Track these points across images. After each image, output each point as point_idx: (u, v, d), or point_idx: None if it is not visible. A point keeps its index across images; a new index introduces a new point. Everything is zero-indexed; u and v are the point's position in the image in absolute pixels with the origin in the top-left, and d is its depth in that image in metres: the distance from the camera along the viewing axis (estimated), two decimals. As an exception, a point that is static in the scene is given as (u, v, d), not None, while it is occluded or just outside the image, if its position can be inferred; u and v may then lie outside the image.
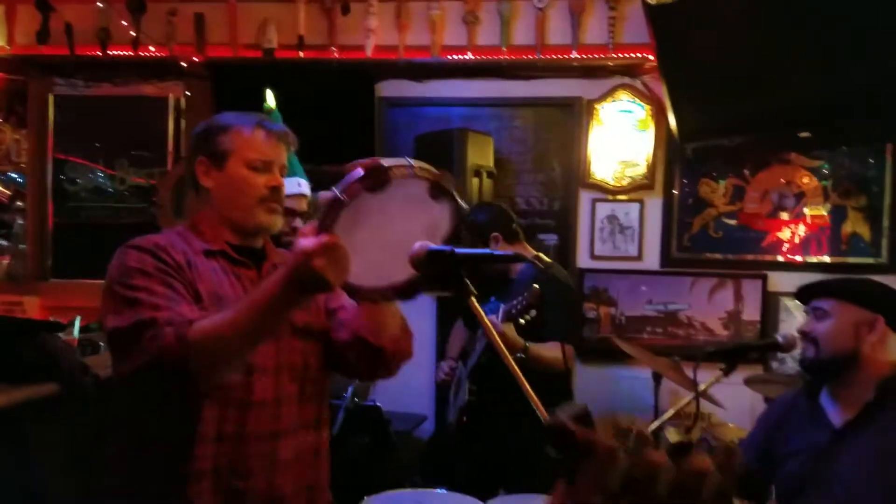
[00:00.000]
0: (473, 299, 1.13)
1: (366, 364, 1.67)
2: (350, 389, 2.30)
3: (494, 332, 1.13)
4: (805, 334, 2.00)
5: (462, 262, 1.14)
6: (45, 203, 4.11)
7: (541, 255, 1.70)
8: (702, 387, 1.80)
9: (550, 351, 2.50)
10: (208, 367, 1.39)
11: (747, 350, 2.04)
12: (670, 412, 1.81)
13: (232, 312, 1.38)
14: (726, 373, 1.89)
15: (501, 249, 2.73)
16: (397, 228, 1.26)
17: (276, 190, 1.64)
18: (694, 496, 0.76)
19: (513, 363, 1.13)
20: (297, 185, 2.60)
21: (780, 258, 3.77)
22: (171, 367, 1.37)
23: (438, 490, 2.25)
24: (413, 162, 1.24)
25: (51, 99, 4.08)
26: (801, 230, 3.77)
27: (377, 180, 1.22)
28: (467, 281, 1.15)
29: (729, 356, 1.92)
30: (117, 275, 1.52)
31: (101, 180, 4.15)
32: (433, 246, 1.17)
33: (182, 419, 1.51)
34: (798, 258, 3.76)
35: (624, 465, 0.73)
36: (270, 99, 2.72)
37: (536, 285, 2.28)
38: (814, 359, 1.98)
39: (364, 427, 2.57)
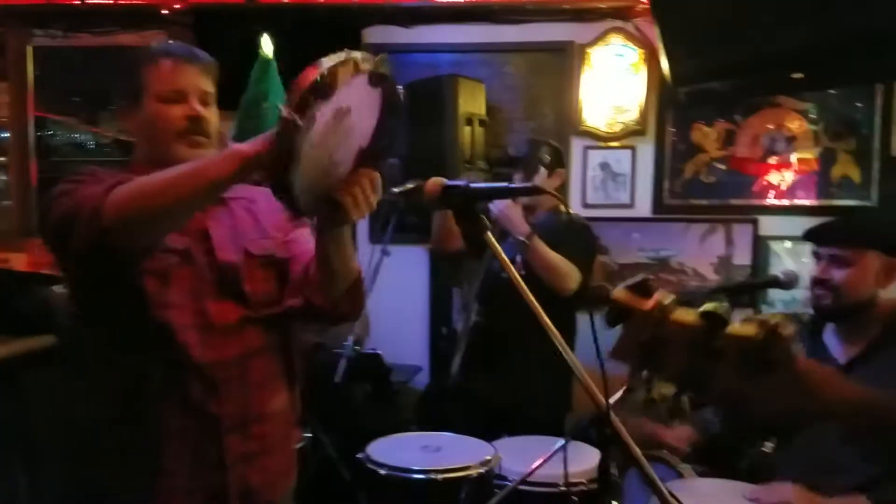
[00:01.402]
0: (489, 234, 1.11)
1: (306, 319, 1.66)
2: (350, 338, 2.29)
3: (513, 269, 1.12)
4: (822, 281, 1.95)
5: (478, 195, 1.13)
6: (28, 159, 4.03)
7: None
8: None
9: (556, 256, 2.51)
10: (124, 225, 1.32)
11: (749, 288, 2.06)
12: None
13: (158, 177, 1.34)
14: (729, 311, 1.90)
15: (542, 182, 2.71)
16: (356, 128, 1.23)
17: (195, 120, 1.54)
18: (720, 357, 0.80)
19: (525, 288, 1.12)
20: None
21: (771, 202, 3.78)
22: (101, 237, 1.32)
23: (444, 433, 2.27)
24: (350, 53, 1.16)
25: (29, 51, 3.96)
26: (792, 174, 3.77)
27: (325, 87, 1.13)
28: (482, 216, 1.13)
29: (731, 294, 1.92)
30: (48, 198, 1.46)
31: (83, 134, 4.06)
32: (448, 181, 1.15)
33: (148, 348, 1.49)
34: (788, 202, 3.77)
35: (653, 323, 0.81)
36: (267, 46, 2.62)
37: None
38: (832, 306, 1.95)
39: (365, 375, 2.58)
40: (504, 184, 1.20)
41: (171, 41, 1.61)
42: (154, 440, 1.49)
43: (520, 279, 1.14)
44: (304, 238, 1.68)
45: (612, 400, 1.25)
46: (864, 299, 1.94)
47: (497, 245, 1.12)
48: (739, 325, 0.84)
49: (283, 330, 1.65)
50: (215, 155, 1.37)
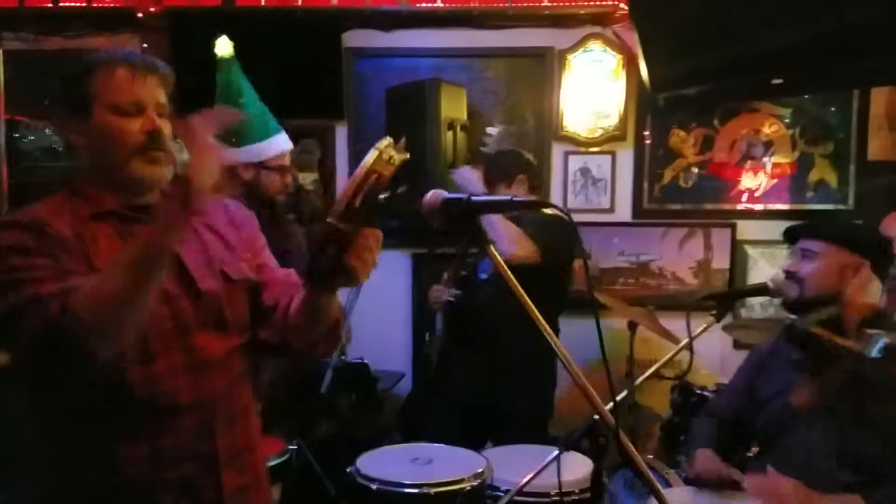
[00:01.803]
0: (492, 247, 1.10)
1: (277, 355, 1.62)
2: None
3: (514, 280, 1.10)
4: (790, 274, 2.03)
5: (478, 209, 1.11)
6: (-1, 163, 3.93)
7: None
8: (694, 333, 1.81)
9: (508, 224, 2.59)
10: (98, 334, 1.23)
11: (738, 295, 2.07)
12: (663, 360, 1.82)
13: (111, 267, 1.26)
14: (718, 318, 1.91)
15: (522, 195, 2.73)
16: None
17: (154, 135, 1.40)
18: None
19: (524, 296, 1.11)
20: (284, 143, 2.53)
21: (749, 207, 3.82)
22: (60, 344, 1.21)
23: (434, 445, 2.25)
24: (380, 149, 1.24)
25: (0, 54, 3.87)
26: (769, 179, 3.82)
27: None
28: (484, 229, 1.11)
29: (720, 302, 1.94)
30: None
31: (55, 139, 3.97)
32: (447, 194, 1.13)
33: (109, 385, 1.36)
34: (766, 206, 3.81)
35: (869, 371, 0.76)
36: (225, 46, 2.53)
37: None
38: (797, 298, 2.02)
39: (351, 384, 2.55)
40: (506, 197, 1.17)
41: (122, 48, 1.50)
42: (146, 489, 1.40)
43: (520, 289, 1.12)
44: (273, 263, 1.63)
45: (611, 409, 1.24)
46: (826, 293, 1.98)
47: (501, 261, 1.11)
48: None
49: (252, 355, 1.59)
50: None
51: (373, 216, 1.23)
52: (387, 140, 1.22)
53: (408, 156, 1.23)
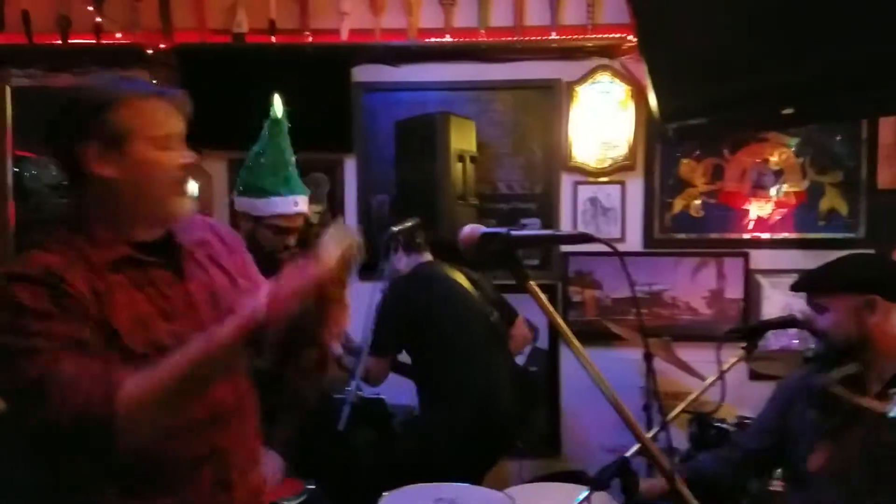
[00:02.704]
0: (532, 282, 1.07)
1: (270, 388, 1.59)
2: (353, 384, 2.23)
3: (553, 311, 1.07)
4: (814, 330, 2.02)
5: (518, 243, 1.09)
6: (6, 200, 3.91)
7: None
8: (724, 367, 1.78)
9: None
10: (139, 431, 1.21)
11: (766, 328, 2.03)
12: (694, 395, 1.78)
13: (169, 364, 1.22)
14: (749, 352, 1.88)
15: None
16: None
17: (187, 169, 1.42)
18: None
19: (566, 330, 1.08)
20: (294, 205, 2.51)
21: (760, 236, 3.80)
22: (87, 432, 1.19)
23: (455, 484, 2.20)
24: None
25: (8, 91, 3.87)
26: (780, 207, 3.80)
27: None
28: (522, 263, 1.09)
29: (746, 336, 1.91)
30: (2, 315, 1.24)
31: (63, 175, 3.96)
32: (485, 228, 1.11)
33: None
34: (777, 235, 3.79)
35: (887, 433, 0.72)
36: (279, 107, 2.58)
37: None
38: (827, 351, 1.99)
39: (368, 421, 2.51)
40: (548, 231, 1.15)
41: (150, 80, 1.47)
42: None
43: (562, 322, 1.09)
44: (263, 282, 1.58)
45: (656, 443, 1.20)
46: (852, 338, 1.95)
47: (541, 294, 1.08)
48: None
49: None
50: (227, 324, 1.25)
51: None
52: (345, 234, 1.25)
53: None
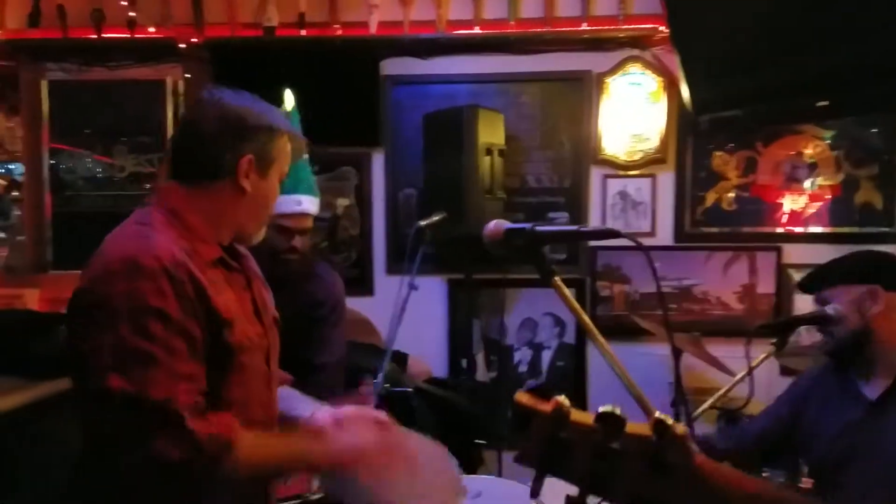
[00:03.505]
0: (557, 278, 1.07)
1: None
2: (380, 375, 2.24)
3: (582, 312, 1.07)
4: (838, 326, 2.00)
5: (542, 239, 1.08)
6: (42, 193, 4.00)
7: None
8: (753, 363, 1.75)
9: None
10: (232, 482, 1.32)
11: (797, 324, 2.01)
12: (722, 391, 1.76)
13: (278, 457, 1.38)
14: (779, 348, 1.86)
15: None
16: None
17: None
18: (621, 459, 0.78)
19: (594, 330, 1.07)
20: (297, 204, 2.48)
21: (793, 230, 3.74)
22: (179, 466, 1.24)
23: (479, 476, 2.20)
24: None
25: (43, 85, 3.95)
26: (814, 201, 3.74)
27: None
28: (548, 258, 1.08)
29: (776, 332, 1.89)
30: (128, 308, 1.25)
31: (98, 168, 4.03)
32: (509, 224, 1.11)
33: None
34: (811, 230, 3.73)
35: (553, 427, 0.81)
36: (289, 100, 2.58)
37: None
38: (831, 344, 1.98)
39: (394, 416, 2.51)
40: (573, 227, 1.14)
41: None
42: None
43: (587, 319, 1.08)
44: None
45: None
46: (857, 331, 1.94)
47: (565, 288, 1.07)
48: (635, 424, 0.85)
49: None
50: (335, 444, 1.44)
51: None
52: None
53: None
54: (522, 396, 0.90)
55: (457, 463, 1.44)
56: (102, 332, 1.24)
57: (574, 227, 1.18)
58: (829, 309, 1.89)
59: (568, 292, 1.09)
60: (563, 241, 1.02)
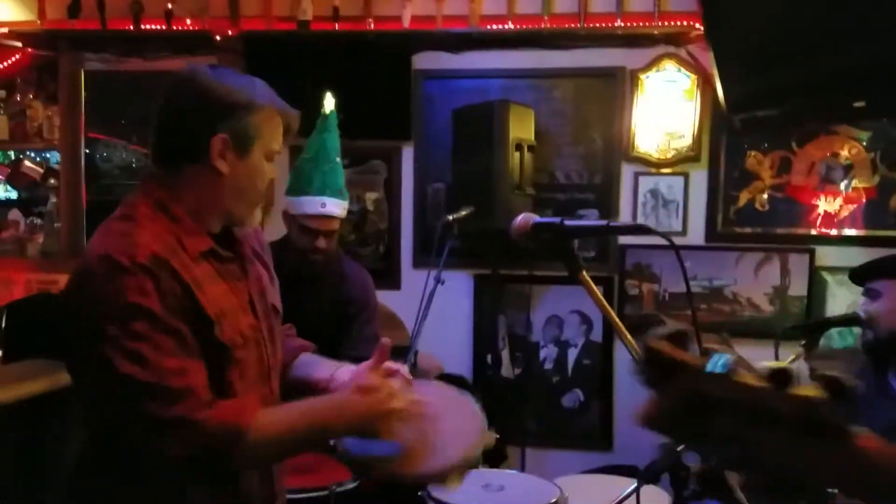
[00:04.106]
0: (584, 272, 1.06)
1: None
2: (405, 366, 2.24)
3: (607, 306, 1.06)
4: (863, 319, 1.98)
5: (571, 233, 1.08)
6: (78, 180, 4.07)
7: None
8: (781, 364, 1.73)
9: None
10: (251, 467, 1.35)
11: (827, 326, 1.99)
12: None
13: (290, 430, 1.35)
14: (808, 349, 1.83)
15: None
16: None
17: (270, 185, 1.49)
18: (778, 423, 0.69)
19: (621, 326, 1.07)
20: (321, 206, 2.49)
21: (828, 232, 3.68)
22: (195, 451, 1.26)
23: (503, 471, 2.21)
24: None
25: (82, 74, 4.02)
26: (849, 203, 3.67)
27: None
28: (577, 253, 1.08)
29: (807, 332, 1.86)
30: (109, 308, 1.24)
31: (133, 157, 4.10)
32: (538, 218, 1.10)
33: None
34: (845, 232, 3.66)
35: (700, 388, 0.68)
36: (329, 103, 2.59)
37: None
38: (873, 340, 1.95)
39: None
40: (602, 221, 1.13)
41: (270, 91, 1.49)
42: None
43: (614, 315, 1.08)
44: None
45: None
46: None
47: (592, 284, 1.07)
48: (801, 386, 0.72)
49: None
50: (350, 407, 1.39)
51: None
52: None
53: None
54: (660, 343, 0.74)
55: (480, 408, 1.41)
56: (91, 334, 1.25)
57: (603, 222, 1.17)
58: (860, 311, 1.86)
59: (595, 289, 1.08)
60: (592, 235, 1.00)
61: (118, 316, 1.23)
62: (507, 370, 3.82)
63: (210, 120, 1.36)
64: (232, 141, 1.37)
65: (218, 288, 1.37)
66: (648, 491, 2.09)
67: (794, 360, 1.81)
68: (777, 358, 1.76)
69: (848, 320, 1.92)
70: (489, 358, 3.79)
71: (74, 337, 1.31)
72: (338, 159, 2.58)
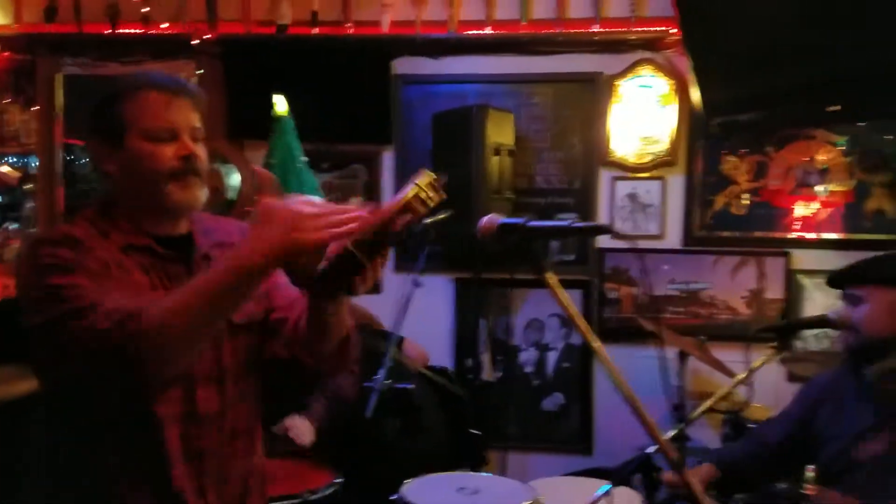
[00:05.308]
0: (551, 274, 1.07)
1: (291, 381, 1.59)
2: (381, 372, 2.24)
3: (576, 311, 1.07)
4: (844, 323, 1.98)
5: (536, 234, 1.08)
6: (55, 186, 4.04)
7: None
8: (753, 365, 1.75)
9: None
10: (162, 355, 1.19)
11: (798, 328, 2.01)
12: (720, 393, 1.76)
13: (185, 295, 1.20)
14: (779, 351, 1.85)
15: None
16: None
17: (189, 160, 1.37)
18: None
19: (587, 329, 1.08)
20: None
21: (804, 235, 3.71)
22: (110, 360, 1.17)
23: (478, 474, 2.21)
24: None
25: (59, 78, 3.99)
26: (825, 207, 3.71)
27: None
28: (541, 255, 1.08)
29: (779, 334, 1.88)
30: (29, 276, 1.29)
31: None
32: (503, 219, 1.11)
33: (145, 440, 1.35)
34: (821, 235, 3.70)
35: None
36: (281, 104, 2.58)
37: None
38: (855, 345, 1.96)
39: (396, 410, 2.53)
40: (565, 222, 1.14)
41: (153, 71, 1.42)
42: None
43: (578, 317, 1.09)
44: (284, 281, 1.57)
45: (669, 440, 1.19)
46: (885, 335, 1.92)
47: (559, 286, 1.08)
48: None
49: (266, 378, 1.55)
50: (243, 258, 1.22)
51: (387, 247, 1.22)
52: (428, 176, 1.18)
53: (444, 196, 1.20)
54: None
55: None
56: (21, 301, 1.30)
57: (566, 223, 1.18)
58: (831, 313, 1.88)
59: (561, 290, 1.09)
60: (555, 237, 1.00)
61: (35, 276, 1.28)
62: (487, 374, 3.83)
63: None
64: (103, 139, 1.38)
65: (143, 280, 1.36)
66: (621, 492, 2.10)
67: (766, 361, 1.82)
68: (748, 359, 1.77)
69: (817, 322, 1.94)
70: (470, 361, 3.80)
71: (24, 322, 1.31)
72: (303, 159, 2.59)
